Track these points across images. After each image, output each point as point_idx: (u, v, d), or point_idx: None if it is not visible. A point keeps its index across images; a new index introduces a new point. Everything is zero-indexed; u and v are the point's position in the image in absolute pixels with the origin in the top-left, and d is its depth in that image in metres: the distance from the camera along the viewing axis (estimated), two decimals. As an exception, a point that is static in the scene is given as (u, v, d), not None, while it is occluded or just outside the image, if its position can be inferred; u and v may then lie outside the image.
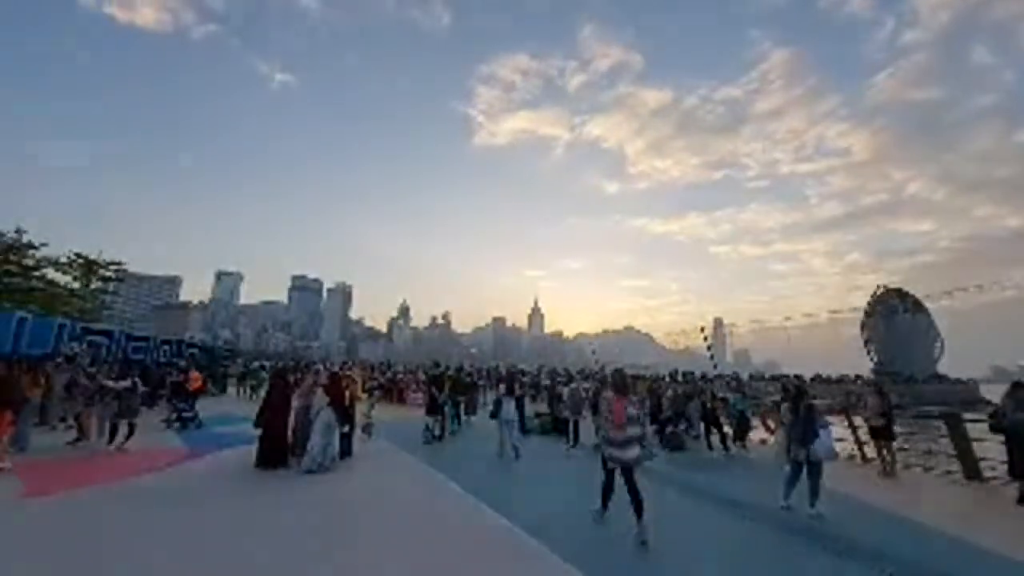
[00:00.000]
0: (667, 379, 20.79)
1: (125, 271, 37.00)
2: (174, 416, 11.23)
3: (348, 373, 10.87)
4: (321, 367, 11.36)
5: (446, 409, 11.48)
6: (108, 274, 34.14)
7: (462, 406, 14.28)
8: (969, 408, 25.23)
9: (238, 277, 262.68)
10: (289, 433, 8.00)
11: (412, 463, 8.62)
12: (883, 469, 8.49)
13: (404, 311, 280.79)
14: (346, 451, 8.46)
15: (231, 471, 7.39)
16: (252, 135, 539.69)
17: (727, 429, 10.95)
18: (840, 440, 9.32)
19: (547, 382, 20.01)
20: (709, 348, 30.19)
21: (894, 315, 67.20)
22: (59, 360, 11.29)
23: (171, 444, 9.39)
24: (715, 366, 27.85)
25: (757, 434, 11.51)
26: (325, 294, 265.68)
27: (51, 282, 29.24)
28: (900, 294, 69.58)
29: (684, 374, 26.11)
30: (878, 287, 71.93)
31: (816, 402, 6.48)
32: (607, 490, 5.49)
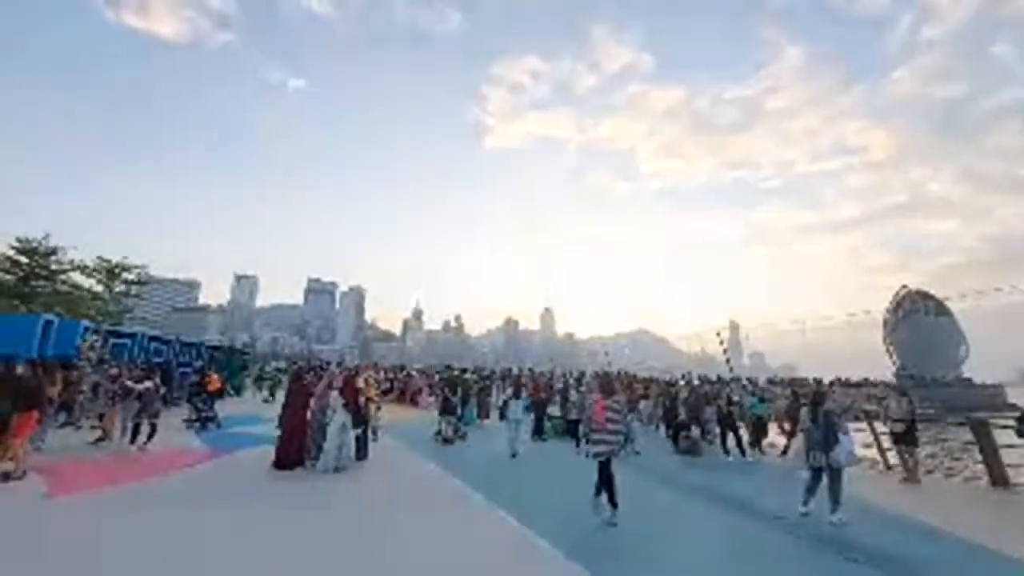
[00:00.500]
0: (682, 382, 20.58)
1: (147, 275, 37.90)
2: (194, 416, 11.47)
3: (363, 375, 10.98)
4: (335, 368, 11.49)
5: (459, 411, 11.53)
6: (131, 278, 34.99)
7: (475, 407, 14.33)
8: (995, 413, 24.46)
9: (255, 280, 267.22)
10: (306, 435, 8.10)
11: (424, 464, 8.68)
12: (906, 475, 8.28)
13: (417, 313, 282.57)
14: (360, 452, 8.53)
15: (250, 472, 7.51)
16: (267, 140, 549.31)
17: (744, 434, 10.78)
18: (867, 447, 9.13)
19: (560, 385, 19.95)
20: (725, 351, 29.78)
21: (917, 317, 65.44)
22: (82, 362, 11.58)
23: (191, 444, 9.57)
24: (731, 369, 27.47)
25: (778, 439, 11.31)
26: (339, 296, 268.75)
27: (76, 286, 30.11)
28: (923, 295, 67.78)
29: (699, 378, 25.82)
30: (900, 288, 70.20)
31: (835, 405, 6.36)
32: (605, 483, 5.85)
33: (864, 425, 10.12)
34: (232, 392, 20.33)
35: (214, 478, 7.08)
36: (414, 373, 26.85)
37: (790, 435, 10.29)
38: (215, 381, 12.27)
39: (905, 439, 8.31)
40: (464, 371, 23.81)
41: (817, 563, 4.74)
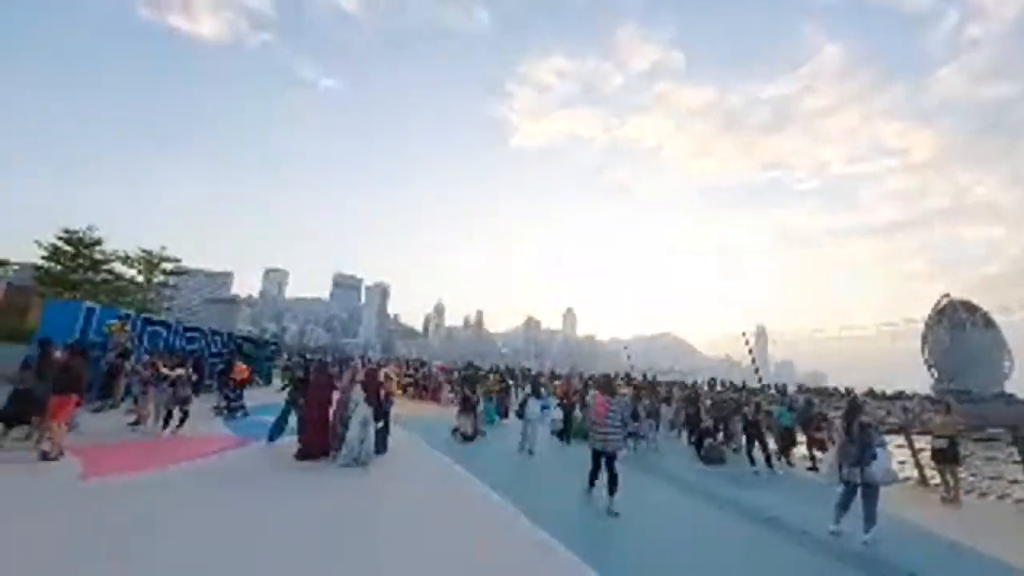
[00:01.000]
0: (706, 387, 20.09)
1: (183, 266, 39.36)
2: (224, 404, 11.81)
3: (384, 370, 11.11)
4: (359, 362, 11.65)
5: (479, 409, 11.53)
6: (169, 268, 36.41)
7: (496, 406, 14.33)
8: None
9: (284, 274, 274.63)
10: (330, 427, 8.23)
11: (442, 461, 8.72)
12: (946, 495, 7.84)
13: (439, 310, 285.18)
14: (380, 447, 8.60)
15: (273, 461, 7.66)
16: (299, 138, 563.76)
17: (771, 444, 10.42)
18: (902, 462, 8.71)
19: (580, 386, 19.78)
20: (753, 358, 28.90)
21: (960, 329, 62.27)
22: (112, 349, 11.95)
23: (219, 431, 9.86)
24: (759, 377, 26.64)
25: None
26: (364, 291, 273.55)
27: (119, 275, 31.50)
28: (967, 306, 64.44)
29: (722, 384, 25.15)
30: (941, 297, 66.89)
31: (869, 418, 6.05)
32: (593, 472, 6.56)
33: (902, 439, 9.65)
34: (260, 382, 20.91)
35: (237, 466, 7.24)
36: (435, 369, 27.06)
37: (823, 447, 9.90)
38: (243, 371, 12.61)
39: (947, 456, 7.86)
40: (483, 370, 23.85)
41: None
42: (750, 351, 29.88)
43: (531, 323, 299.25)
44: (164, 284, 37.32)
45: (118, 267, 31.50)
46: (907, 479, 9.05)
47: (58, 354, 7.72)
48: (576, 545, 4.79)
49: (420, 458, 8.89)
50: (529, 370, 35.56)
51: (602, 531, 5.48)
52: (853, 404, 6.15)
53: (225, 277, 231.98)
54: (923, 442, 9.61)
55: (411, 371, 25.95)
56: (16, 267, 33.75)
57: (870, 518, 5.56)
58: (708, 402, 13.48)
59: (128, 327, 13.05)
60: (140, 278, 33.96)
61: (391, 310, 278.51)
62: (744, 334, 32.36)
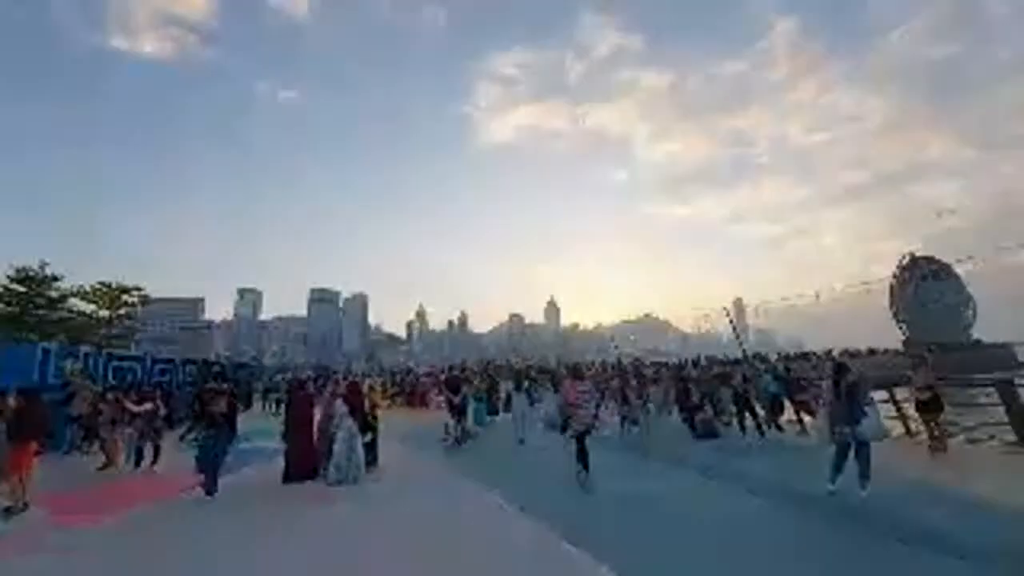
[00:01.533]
0: (691, 364, 20.30)
1: (147, 296, 37.79)
2: (187, 429, 11.21)
3: (368, 381, 10.79)
4: (340, 376, 11.29)
5: (467, 411, 11.35)
6: (132, 300, 34.93)
7: (484, 405, 14.14)
8: (1008, 372, 24.10)
9: (258, 294, 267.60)
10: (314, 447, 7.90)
11: (433, 467, 8.58)
12: (932, 444, 8.02)
13: (421, 314, 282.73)
14: (371, 460, 8.33)
15: (257, 490, 7.31)
16: (261, 153, 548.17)
17: (760, 412, 10.54)
18: (890, 417, 8.90)
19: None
20: (735, 330, 29.46)
21: (922, 283, 65.01)
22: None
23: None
24: (742, 347, 27.11)
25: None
26: (343, 304, 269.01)
27: (79, 312, 30.03)
28: (927, 260, 67.26)
29: (707, 359, 25.57)
30: (903, 255, 69.61)
31: (856, 376, 6.08)
32: (579, 454, 6.86)
33: (885, 394, 9.86)
34: (241, 407, 20.20)
35: (218, 500, 6.85)
36: (421, 376, 26.69)
37: (812, 413, 10.05)
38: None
39: (930, 407, 8.04)
40: (467, 371, 23.61)
41: (850, 541, 4.50)
42: (732, 325, 30.44)
43: (515, 319, 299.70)
44: (129, 316, 35.79)
45: (77, 303, 30.05)
46: (894, 432, 9.27)
47: (11, 401, 7.20)
48: (575, 532, 4.67)
49: (412, 467, 8.64)
50: (512, 366, 35.59)
51: (601, 516, 5.35)
52: (840, 365, 6.18)
53: (196, 303, 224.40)
54: (901, 396, 9.91)
55: (397, 381, 25.54)
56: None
57: (865, 475, 5.63)
58: (694, 375, 13.61)
59: (79, 366, 12.23)
60: (102, 312, 32.47)
61: (372, 319, 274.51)
62: (725, 308, 32.92)
